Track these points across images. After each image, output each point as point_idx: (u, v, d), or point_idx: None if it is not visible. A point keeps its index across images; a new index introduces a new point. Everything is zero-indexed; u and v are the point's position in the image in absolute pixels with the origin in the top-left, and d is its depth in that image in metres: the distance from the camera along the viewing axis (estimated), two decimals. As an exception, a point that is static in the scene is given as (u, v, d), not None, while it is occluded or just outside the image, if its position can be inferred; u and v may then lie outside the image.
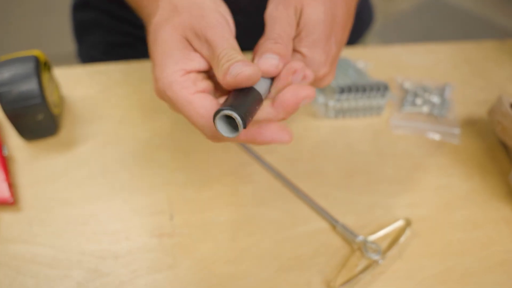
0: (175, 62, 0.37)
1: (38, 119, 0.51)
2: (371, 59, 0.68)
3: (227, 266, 0.45)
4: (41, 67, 0.51)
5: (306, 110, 0.60)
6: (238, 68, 0.34)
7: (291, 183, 0.51)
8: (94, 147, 0.54)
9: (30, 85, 0.49)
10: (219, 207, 0.49)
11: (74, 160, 0.52)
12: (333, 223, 0.47)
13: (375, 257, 0.44)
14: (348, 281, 0.43)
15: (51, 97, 0.53)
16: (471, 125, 0.60)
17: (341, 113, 0.58)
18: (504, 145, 0.57)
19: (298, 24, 0.40)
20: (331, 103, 0.56)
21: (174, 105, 0.37)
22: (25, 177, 0.51)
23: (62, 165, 0.52)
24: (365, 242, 0.45)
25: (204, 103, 0.36)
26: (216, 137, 0.37)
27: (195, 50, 0.38)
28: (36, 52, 0.52)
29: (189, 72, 0.37)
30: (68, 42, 1.18)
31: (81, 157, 0.53)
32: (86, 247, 0.45)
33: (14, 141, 0.54)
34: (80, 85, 0.61)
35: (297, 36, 0.40)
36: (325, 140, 0.56)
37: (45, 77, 0.52)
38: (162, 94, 0.38)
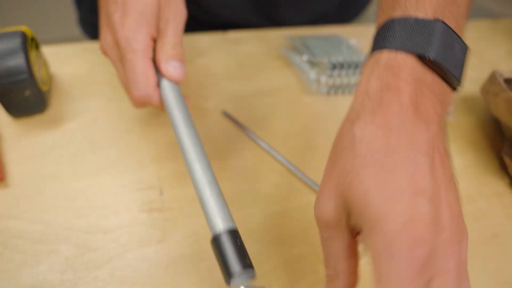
0: (148, 24, 0.42)
1: (25, 95, 0.50)
2: (363, 37, 0.67)
3: (217, 240, 0.44)
4: (28, 42, 0.50)
5: (298, 87, 0.59)
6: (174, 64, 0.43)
7: (283, 158, 0.50)
8: (82, 124, 0.53)
9: (17, 60, 0.48)
10: (209, 183, 0.48)
11: (62, 137, 0.52)
12: (325, 197, 0.47)
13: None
14: None
15: (38, 73, 0.52)
16: (464, 102, 0.60)
17: (333, 89, 0.58)
18: (496, 121, 0.57)
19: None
20: (323, 79, 0.56)
21: (124, 59, 0.42)
22: (12, 154, 0.50)
23: (50, 142, 0.51)
24: (357, 215, 0.45)
25: (152, 71, 0.43)
26: (142, 102, 0.44)
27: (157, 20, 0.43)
28: (23, 28, 0.51)
29: (153, 38, 0.43)
30: (59, 28, 1.17)
31: (70, 134, 0.52)
32: (74, 222, 0.45)
33: (2, 118, 0.53)
34: (69, 63, 0.60)
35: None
36: (317, 116, 0.56)
37: (32, 53, 0.51)
38: (123, 46, 0.42)
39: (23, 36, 0.50)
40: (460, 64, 0.31)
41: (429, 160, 0.27)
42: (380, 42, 0.32)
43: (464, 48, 0.32)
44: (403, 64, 0.30)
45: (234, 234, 0.34)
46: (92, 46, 0.62)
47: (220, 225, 0.35)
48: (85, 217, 0.45)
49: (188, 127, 0.42)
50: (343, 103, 0.58)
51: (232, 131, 0.53)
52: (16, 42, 0.49)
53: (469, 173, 0.51)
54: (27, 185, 0.47)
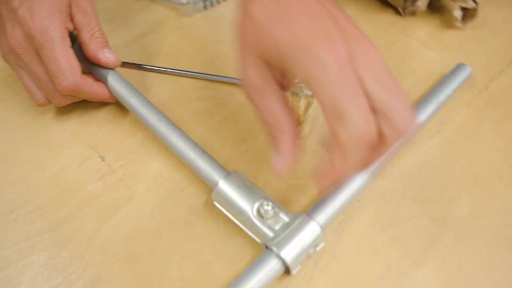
0: (60, 13, 0.42)
1: None
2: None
3: (181, 171, 0.43)
4: None
5: (176, 14, 0.58)
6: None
7: (199, 73, 0.50)
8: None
9: None
10: (141, 127, 0.46)
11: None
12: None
13: (310, 92, 0.45)
14: (301, 123, 0.43)
15: None
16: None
17: (208, 1, 0.57)
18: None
19: None
20: (195, -6, 0.55)
21: (43, 49, 0.41)
22: None
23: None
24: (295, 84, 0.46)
25: (75, 59, 0.42)
26: (71, 90, 0.42)
27: (72, 14, 0.43)
28: None
29: (67, 28, 0.42)
30: None
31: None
32: (30, 229, 0.40)
33: None
34: None
35: None
36: (207, 30, 0.56)
37: None
38: (39, 36, 0.41)
39: None
40: None
41: (321, 6, 0.29)
42: None
43: None
44: None
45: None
46: None
47: (218, 178, 0.37)
48: (39, 218, 0.41)
49: (148, 106, 0.43)
50: (223, 10, 0.58)
51: (137, 76, 0.51)
52: None
53: (361, 17, 0.55)
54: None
